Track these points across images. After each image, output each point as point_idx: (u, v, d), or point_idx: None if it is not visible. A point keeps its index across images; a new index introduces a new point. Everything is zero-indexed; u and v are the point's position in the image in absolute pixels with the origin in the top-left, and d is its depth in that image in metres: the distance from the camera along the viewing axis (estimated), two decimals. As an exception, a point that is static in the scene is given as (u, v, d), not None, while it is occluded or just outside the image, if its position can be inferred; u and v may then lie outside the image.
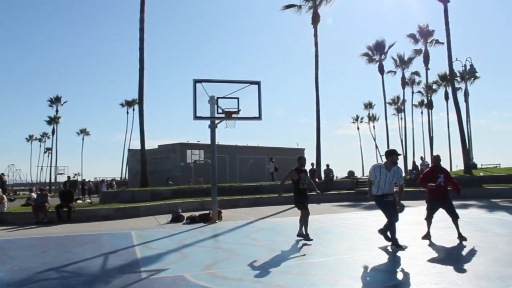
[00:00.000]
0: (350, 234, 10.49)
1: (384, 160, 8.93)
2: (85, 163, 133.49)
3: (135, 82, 25.70)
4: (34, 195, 24.38)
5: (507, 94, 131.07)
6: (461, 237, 9.15)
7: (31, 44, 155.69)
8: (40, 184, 67.60)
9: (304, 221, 10.09)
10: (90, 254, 8.97)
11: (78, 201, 23.47)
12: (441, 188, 9.46)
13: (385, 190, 8.53)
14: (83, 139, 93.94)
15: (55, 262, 8.18)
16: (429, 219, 9.75)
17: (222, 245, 9.91)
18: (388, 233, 8.58)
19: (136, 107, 68.45)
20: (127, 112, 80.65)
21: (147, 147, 27.71)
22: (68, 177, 34.45)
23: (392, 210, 8.52)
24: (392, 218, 8.45)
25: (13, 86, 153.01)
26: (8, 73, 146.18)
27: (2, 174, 22.19)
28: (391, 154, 8.63)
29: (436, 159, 9.97)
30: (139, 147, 26.94)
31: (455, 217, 9.33)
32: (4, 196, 17.63)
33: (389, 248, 8.32)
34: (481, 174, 27.66)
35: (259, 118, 14.96)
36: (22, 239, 11.70)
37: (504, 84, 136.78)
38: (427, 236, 9.60)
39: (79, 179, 68.42)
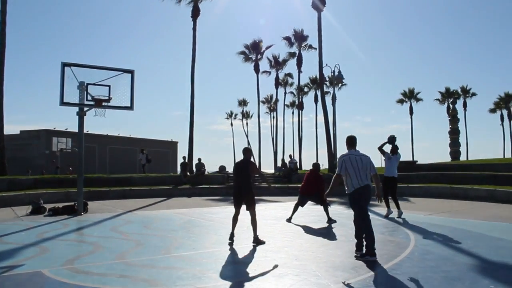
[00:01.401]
0: (218, 228, 10.63)
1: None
2: None
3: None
4: None
5: (369, 102, 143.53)
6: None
7: None
8: None
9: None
10: None
11: None
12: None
13: None
14: None
15: None
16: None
17: (86, 239, 9.47)
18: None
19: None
20: (-15, 93, 73.47)
21: (7, 132, 25.56)
22: None
23: None
24: None
25: None
26: None
27: None
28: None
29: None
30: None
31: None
32: None
33: (252, 243, 8.55)
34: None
35: (130, 108, 14.59)
36: None
37: (367, 92, 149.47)
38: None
39: None
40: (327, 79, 49.37)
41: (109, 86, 14.17)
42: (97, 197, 18.70)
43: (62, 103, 13.59)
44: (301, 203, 12.27)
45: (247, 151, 9.10)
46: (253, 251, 7.75)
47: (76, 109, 14.27)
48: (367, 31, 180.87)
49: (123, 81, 14.55)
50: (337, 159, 7.54)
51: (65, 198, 17.37)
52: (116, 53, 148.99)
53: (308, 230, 10.37)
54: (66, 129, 44.46)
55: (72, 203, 14.32)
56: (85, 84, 13.93)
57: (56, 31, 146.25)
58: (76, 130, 14.85)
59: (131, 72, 14.68)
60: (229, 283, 5.62)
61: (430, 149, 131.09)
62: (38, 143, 44.06)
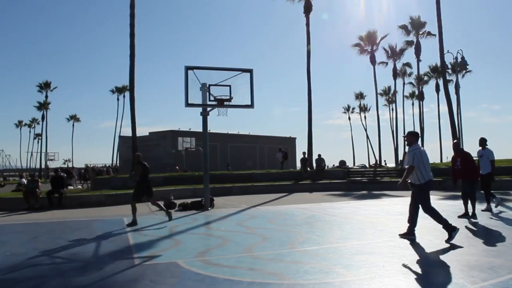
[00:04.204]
0: (342, 223, 10.53)
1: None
2: (76, 149, 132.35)
3: (126, 68, 25.60)
4: (24, 180, 24.21)
5: (497, 88, 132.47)
6: (473, 216, 10.54)
7: (21, 30, 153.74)
8: (31, 170, 67.30)
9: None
10: (82, 240, 8.97)
11: (70, 187, 23.38)
12: (456, 172, 10.84)
13: None
14: (73, 125, 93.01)
15: (47, 247, 8.17)
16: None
17: (214, 233, 9.91)
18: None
19: (127, 93, 68.27)
20: (118, 99, 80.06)
21: (138, 134, 27.61)
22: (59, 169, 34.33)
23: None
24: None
25: (2, 71, 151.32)
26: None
27: (-8, 159, 22.02)
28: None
29: (454, 145, 11.33)
30: (130, 134, 26.83)
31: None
32: (-6, 181, 17.50)
33: (380, 239, 8.34)
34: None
35: (251, 106, 14.93)
36: (13, 225, 11.65)
37: (495, 77, 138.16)
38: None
39: (70, 165, 68.14)
40: (449, 66, 46.63)
41: (229, 86, 14.63)
42: (222, 193, 19.49)
43: (187, 104, 14.32)
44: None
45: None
46: (380, 247, 7.54)
47: (200, 109, 14.98)
48: (492, 9, 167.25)
49: (242, 80, 14.95)
50: (409, 152, 8.09)
51: (192, 194, 18.36)
52: (233, 52, 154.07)
53: (436, 226, 9.78)
54: (190, 129, 46.82)
55: (200, 199, 15.06)
56: (207, 85, 14.54)
57: (179, 37, 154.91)
58: (199, 130, 15.59)
59: (250, 71, 15.03)
60: (356, 279, 5.52)
61: None
62: (165, 143, 46.84)
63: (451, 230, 7.76)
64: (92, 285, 5.53)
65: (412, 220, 8.29)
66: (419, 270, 5.82)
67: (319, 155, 27.06)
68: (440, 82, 51.26)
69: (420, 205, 8.16)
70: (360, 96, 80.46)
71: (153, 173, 26.49)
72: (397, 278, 5.52)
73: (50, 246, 8.36)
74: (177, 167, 35.66)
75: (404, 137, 8.49)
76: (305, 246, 7.79)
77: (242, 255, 7.15)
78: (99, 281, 5.70)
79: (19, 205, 15.69)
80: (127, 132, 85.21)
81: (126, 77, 26.31)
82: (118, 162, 61.70)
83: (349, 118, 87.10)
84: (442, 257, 6.58)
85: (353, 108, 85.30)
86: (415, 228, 8.36)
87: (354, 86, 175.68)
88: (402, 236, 8.28)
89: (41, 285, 5.65)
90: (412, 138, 8.21)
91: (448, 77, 45.57)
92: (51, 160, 58.22)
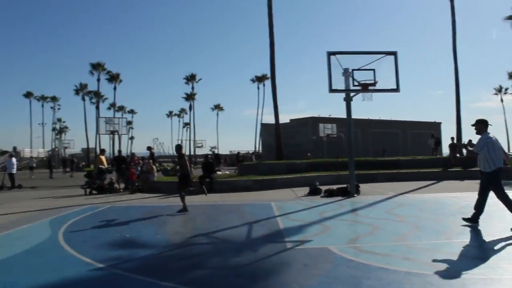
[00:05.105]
0: (503, 215, 9.62)
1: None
2: (221, 137, 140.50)
3: (264, 57, 26.44)
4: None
5: None
6: None
7: (168, 29, 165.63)
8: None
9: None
10: (235, 222, 9.45)
11: (218, 173, 24.71)
12: None
13: None
14: (217, 114, 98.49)
15: (203, 228, 8.78)
16: None
17: (363, 220, 9.72)
18: None
19: (266, 82, 70.29)
20: (258, 88, 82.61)
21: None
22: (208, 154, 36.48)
23: None
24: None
25: (155, 67, 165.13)
26: (148, 56, 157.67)
27: (150, 147, 24.08)
28: None
29: None
30: (271, 121, 27.64)
31: None
32: (154, 167, 19.18)
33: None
34: None
35: (397, 90, 14.35)
36: (171, 206, 12.65)
37: None
38: None
39: (216, 152, 72.23)
40: None
41: (373, 69, 14.19)
42: (366, 179, 19.11)
43: (331, 90, 14.16)
44: None
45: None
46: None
47: (343, 95, 14.77)
48: None
49: (386, 64, 14.36)
50: (481, 140, 8.06)
51: (336, 180, 18.26)
52: (374, 36, 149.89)
53: None
54: (330, 115, 46.75)
55: (345, 185, 14.93)
56: (350, 70, 14.26)
57: (317, 22, 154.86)
58: (339, 116, 15.39)
59: (394, 53, 14.42)
60: (529, 275, 5.04)
61: None
62: (306, 130, 47.29)
63: None
64: (248, 266, 5.79)
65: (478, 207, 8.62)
66: None
67: (470, 141, 25.16)
68: None
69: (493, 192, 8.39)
70: (514, 75, 73.07)
71: (295, 159, 26.96)
72: None
73: (206, 227, 8.97)
74: (308, 154, 35.91)
75: (472, 125, 8.31)
76: (463, 237, 7.33)
77: (395, 244, 6.95)
78: (254, 262, 5.95)
79: (175, 189, 17.01)
80: (267, 119, 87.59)
81: (264, 66, 27.22)
82: (260, 149, 63.86)
83: (501, 100, 79.53)
84: None
85: (506, 89, 77.60)
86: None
87: (506, 64, 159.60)
88: (466, 220, 8.60)
89: (203, 263, 6.06)
90: (482, 126, 8.18)
91: None
92: (199, 147, 62.42)
